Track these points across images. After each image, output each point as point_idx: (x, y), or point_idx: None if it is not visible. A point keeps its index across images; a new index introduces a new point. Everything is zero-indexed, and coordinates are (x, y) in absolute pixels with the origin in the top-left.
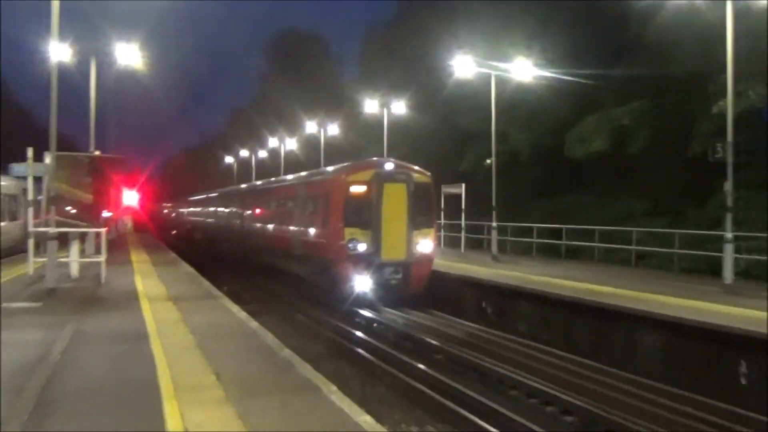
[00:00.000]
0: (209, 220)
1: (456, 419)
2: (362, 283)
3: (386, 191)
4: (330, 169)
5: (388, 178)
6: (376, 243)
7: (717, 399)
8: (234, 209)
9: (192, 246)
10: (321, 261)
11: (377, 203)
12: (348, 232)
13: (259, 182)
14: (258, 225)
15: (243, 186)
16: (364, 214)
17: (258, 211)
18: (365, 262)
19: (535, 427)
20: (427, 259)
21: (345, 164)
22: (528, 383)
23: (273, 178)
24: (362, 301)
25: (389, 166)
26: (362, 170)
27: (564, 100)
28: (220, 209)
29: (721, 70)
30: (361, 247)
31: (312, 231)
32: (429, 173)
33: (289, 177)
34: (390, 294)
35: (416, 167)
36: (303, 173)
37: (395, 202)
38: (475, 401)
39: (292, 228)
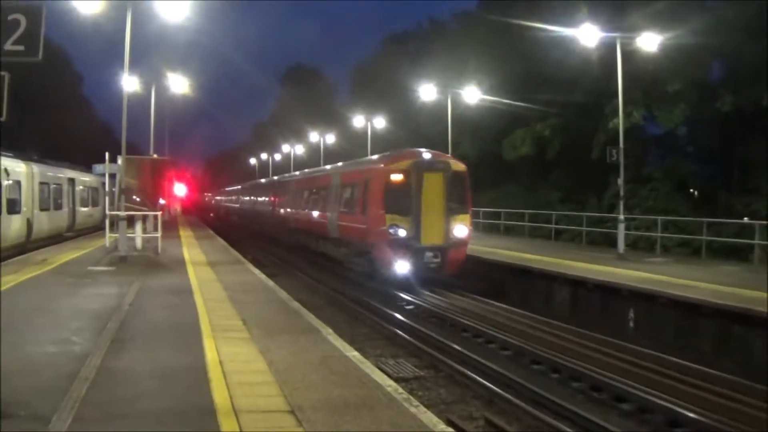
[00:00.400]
0: (242, 206)
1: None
2: (402, 266)
3: (426, 180)
4: (370, 158)
5: (427, 167)
6: (415, 228)
7: (610, 335)
8: (268, 197)
9: (225, 225)
10: (361, 245)
11: (417, 191)
12: (389, 218)
13: (293, 174)
14: (292, 210)
15: (277, 177)
16: (403, 202)
17: (293, 198)
18: (405, 246)
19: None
20: (463, 244)
21: (385, 154)
22: (476, 327)
23: (307, 170)
24: (402, 283)
25: (427, 156)
26: (402, 160)
27: (500, 117)
28: (252, 197)
29: (614, 95)
30: (402, 233)
31: (352, 217)
32: (463, 162)
33: (327, 167)
34: (429, 276)
35: (452, 157)
36: (339, 164)
37: (433, 190)
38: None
39: (328, 214)
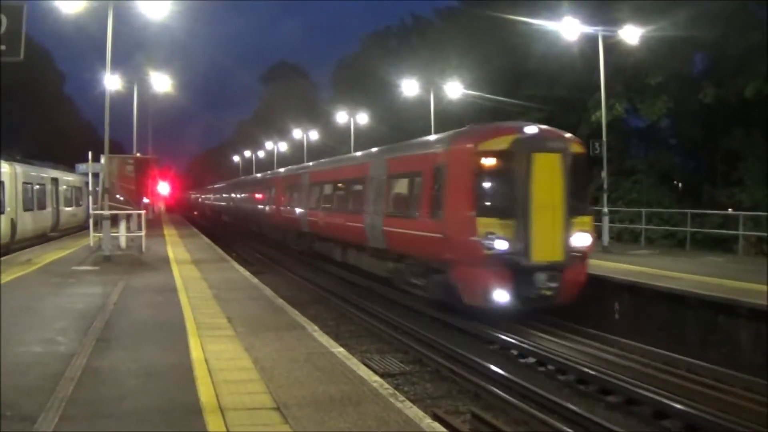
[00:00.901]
0: (233, 205)
1: None
2: (502, 295)
3: (536, 164)
4: (439, 137)
5: (536, 146)
6: (523, 238)
7: (594, 328)
8: (270, 194)
9: (209, 223)
10: (429, 261)
11: (524, 182)
12: (482, 222)
13: (305, 165)
14: (306, 210)
15: (282, 170)
16: (503, 198)
17: (307, 194)
18: (507, 265)
19: None
20: (585, 258)
21: (462, 129)
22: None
23: (326, 159)
24: (499, 317)
25: (533, 130)
26: (498, 135)
27: (483, 112)
28: (246, 195)
29: (596, 89)
30: (502, 245)
31: (412, 221)
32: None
33: (358, 154)
34: (539, 306)
35: (566, 133)
36: (379, 148)
37: (548, 180)
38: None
39: (368, 216)
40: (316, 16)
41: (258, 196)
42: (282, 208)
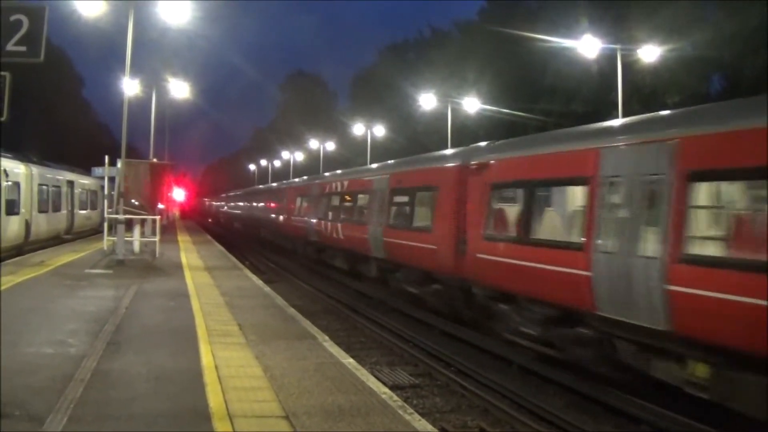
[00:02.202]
0: (239, 212)
1: None
2: None
3: None
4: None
5: None
6: None
7: None
8: (275, 204)
9: (223, 230)
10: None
11: None
12: None
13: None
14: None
15: (293, 181)
16: None
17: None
18: None
19: None
20: None
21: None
22: None
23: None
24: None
25: None
26: None
27: (500, 126)
28: (261, 204)
29: (613, 106)
30: None
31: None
32: None
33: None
34: None
35: None
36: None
37: None
38: None
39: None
40: (336, 24)
41: (270, 205)
42: (293, 217)
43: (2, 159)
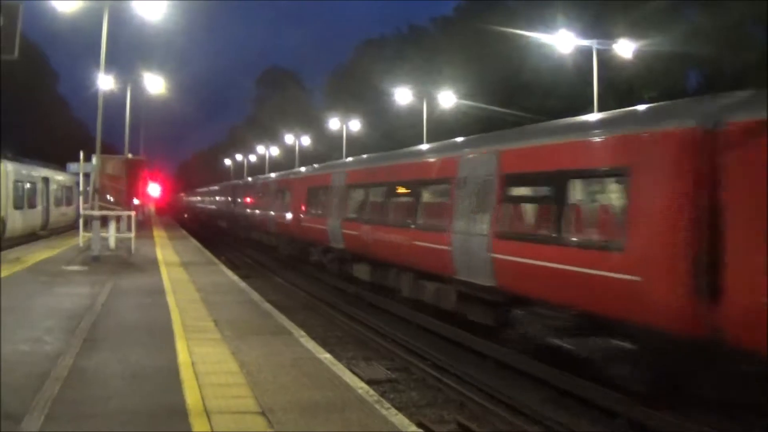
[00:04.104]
0: (225, 209)
1: None
2: None
3: None
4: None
5: None
6: None
7: None
8: (279, 199)
9: (199, 226)
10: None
11: None
12: None
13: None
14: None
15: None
16: None
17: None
18: None
19: None
20: None
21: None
22: None
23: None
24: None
25: None
26: None
27: (477, 122)
28: (244, 199)
29: (589, 102)
30: None
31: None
32: None
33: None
34: None
35: None
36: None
37: None
38: None
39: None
40: (313, 22)
41: (270, 201)
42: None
43: None
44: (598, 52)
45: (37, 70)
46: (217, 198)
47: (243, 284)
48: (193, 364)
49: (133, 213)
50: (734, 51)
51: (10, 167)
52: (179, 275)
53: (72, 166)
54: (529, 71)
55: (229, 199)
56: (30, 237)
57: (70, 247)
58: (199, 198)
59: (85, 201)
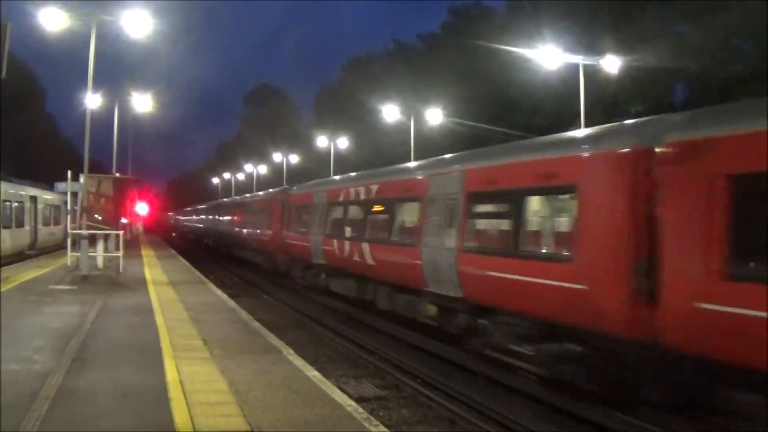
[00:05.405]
0: (214, 227)
1: None
2: None
3: None
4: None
5: None
6: None
7: None
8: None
9: (188, 245)
10: None
11: None
12: None
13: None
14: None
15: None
16: None
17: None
18: None
19: None
20: None
21: None
22: None
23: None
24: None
25: None
26: None
27: (465, 139)
28: (233, 218)
29: (576, 116)
30: None
31: None
32: None
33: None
34: None
35: None
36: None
37: None
38: None
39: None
40: (301, 40)
41: (264, 219)
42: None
43: None
44: (585, 67)
45: (24, 89)
46: (205, 216)
47: (232, 303)
48: (181, 382)
49: (121, 232)
50: (721, 64)
51: None
52: (168, 294)
53: (60, 186)
54: (517, 87)
55: (216, 217)
56: (18, 256)
57: (58, 266)
58: (186, 217)
59: (73, 220)
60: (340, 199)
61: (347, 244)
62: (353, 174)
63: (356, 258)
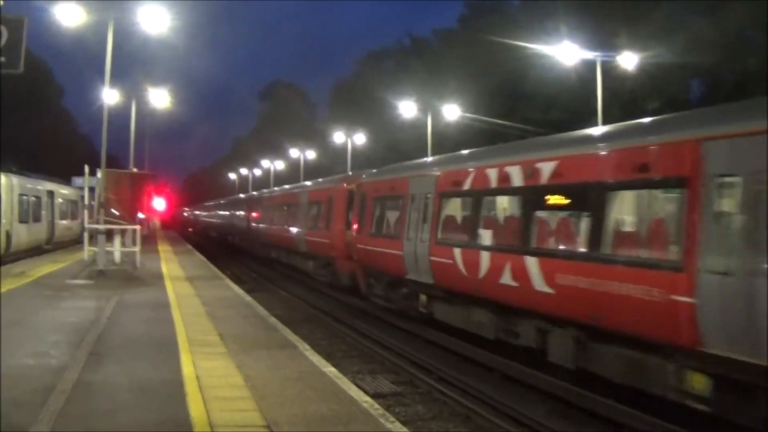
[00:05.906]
0: (232, 222)
1: None
2: None
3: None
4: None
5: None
6: None
7: None
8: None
9: (203, 240)
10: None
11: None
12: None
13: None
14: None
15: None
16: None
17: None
18: None
19: None
20: None
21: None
22: None
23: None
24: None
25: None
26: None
27: (480, 134)
28: (248, 213)
29: (593, 112)
30: None
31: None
32: None
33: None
34: None
35: None
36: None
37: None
38: None
39: None
40: (315, 34)
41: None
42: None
43: None
44: (602, 62)
45: (41, 85)
46: (232, 212)
47: (248, 298)
48: (197, 377)
49: (138, 227)
50: (735, 58)
51: (15, 181)
52: (184, 289)
53: (77, 180)
54: (532, 82)
55: (249, 213)
56: (35, 251)
57: (75, 261)
58: (207, 212)
59: (90, 215)
60: (466, 186)
61: (485, 256)
62: (479, 149)
63: (506, 280)
